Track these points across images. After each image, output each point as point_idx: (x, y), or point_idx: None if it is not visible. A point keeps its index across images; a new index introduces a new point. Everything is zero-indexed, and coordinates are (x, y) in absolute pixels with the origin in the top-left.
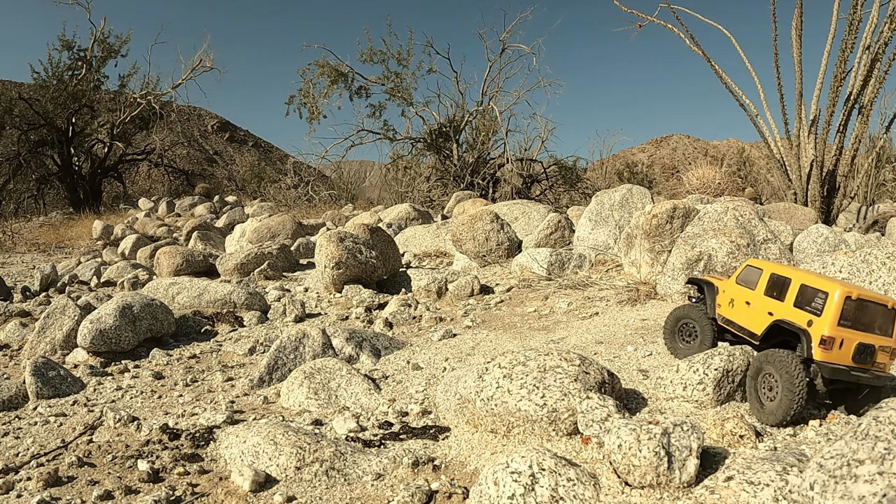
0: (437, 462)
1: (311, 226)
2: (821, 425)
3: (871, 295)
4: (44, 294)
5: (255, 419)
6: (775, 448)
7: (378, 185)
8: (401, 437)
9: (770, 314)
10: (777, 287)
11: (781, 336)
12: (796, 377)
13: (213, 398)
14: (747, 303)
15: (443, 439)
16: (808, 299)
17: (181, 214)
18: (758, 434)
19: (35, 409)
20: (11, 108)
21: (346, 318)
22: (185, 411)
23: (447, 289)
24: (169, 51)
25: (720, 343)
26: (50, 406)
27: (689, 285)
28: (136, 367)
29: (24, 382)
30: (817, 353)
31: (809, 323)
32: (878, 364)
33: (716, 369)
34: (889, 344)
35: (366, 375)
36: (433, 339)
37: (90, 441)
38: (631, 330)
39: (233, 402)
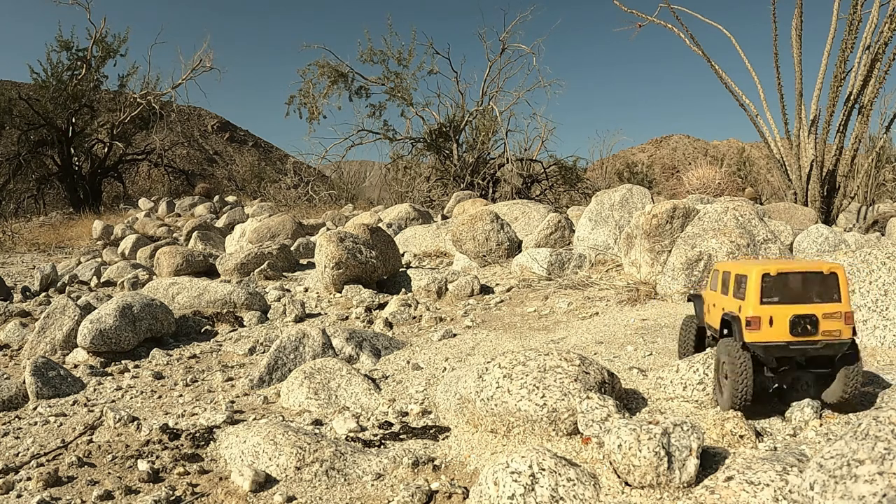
0: (437, 462)
1: (311, 226)
2: (821, 425)
3: (799, 265)
4: (44, 294)
5: (255, 419)
6: (775, 448)
7: (378, 185)
8: (401, 437)
9: (723, 309)
10: (724, 282)
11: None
12: (738, 360)
13: (213, 398)
14: (714, 304)
15: (443, 439)
16: (739, 286)
17: (181, 214)
18: (758, 434)
19: (35, 409)
20: (11, 108)
21: (346, 318)
22: (185, 411)
23: (447, 289)
24: (169, 51)
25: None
26: (50, 406)
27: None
28: (136, 367)
29: (24, 382)
30: (746, 336)
31: (740, 308)
32: (830, 332)
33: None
34: (837, 309)
35: (366, 375)
36: (433, 339)
37: (90, 441)
38: (631, 330)
39: (233, 402)
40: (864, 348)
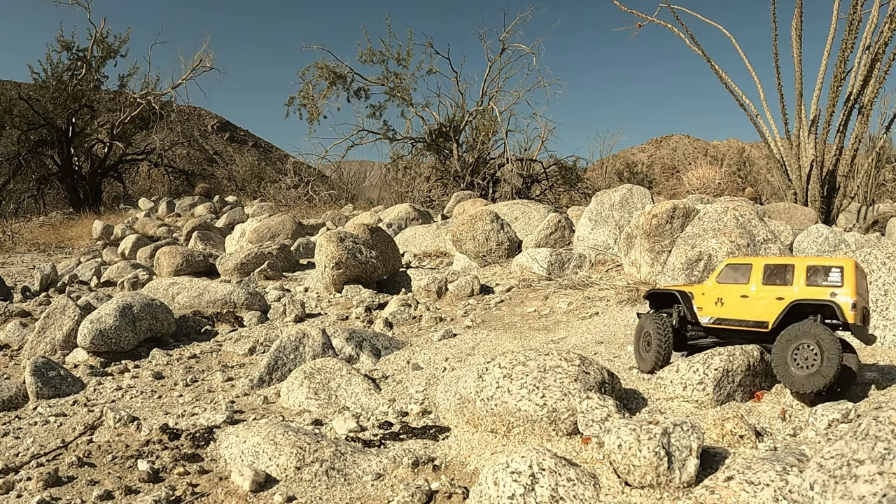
0: (437, 462)
1: (311, 226)
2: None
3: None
4: (44, 294)
5: (255, 419)
6: (775, 448)
7: (378, 185)
8: (401, 437)
9: (780, 299)
10: (779, 274)
11: (792, 316)
12: (836, 342)
13: (213, 398)
14: (743, 296)
15: (443, 439)
16: (823, 276)
17: (181, 214)
18: (758, 434)
19: (35, 409)
20: (11, 108)
21: (346, 318)
22: (185, 411)
23: (447, 289)
24: (169, 51)
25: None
26: (50, 406)
27: (646, 300)
28: (136, 367)
29: (24, 382)
30: (851, 317)
31: (833, 294)
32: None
33: (716, 369)
34: (868, 306)
35: (366, 375)
36: (433, 339)
37: (90, 441)
38: (631, 330)
39: (233, 402)
40: (864, 347)
